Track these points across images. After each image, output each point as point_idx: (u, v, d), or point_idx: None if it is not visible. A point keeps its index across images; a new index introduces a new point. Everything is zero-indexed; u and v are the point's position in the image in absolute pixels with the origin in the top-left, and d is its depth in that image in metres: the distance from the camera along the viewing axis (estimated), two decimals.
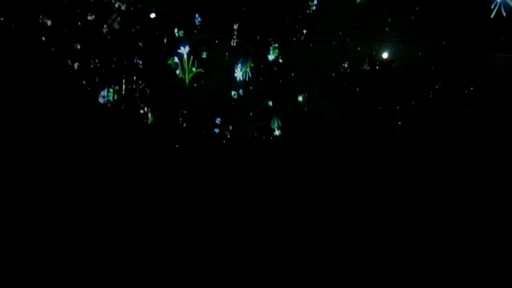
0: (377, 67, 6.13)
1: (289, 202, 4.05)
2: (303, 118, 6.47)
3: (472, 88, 5.95)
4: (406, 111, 6.40)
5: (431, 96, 6.32)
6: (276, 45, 6.59)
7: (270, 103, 6.72)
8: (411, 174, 4.75)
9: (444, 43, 6.19)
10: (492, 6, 5.89)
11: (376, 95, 6.21)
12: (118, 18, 6.18)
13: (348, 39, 6.44)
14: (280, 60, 6.65)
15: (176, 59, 6.65)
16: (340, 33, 6.44)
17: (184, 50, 6.66)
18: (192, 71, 6.63)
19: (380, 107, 6.21)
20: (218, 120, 6.62)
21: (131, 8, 6.26)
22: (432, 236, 3.29)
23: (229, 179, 4.74)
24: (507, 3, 5.80)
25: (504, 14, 5.82)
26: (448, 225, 3.48)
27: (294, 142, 6.23)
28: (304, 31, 6.47)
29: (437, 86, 6.29)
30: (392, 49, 6.29)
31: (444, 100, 6.24)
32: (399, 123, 6.41)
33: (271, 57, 6.64)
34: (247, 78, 6.64)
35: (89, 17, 5.76)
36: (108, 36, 6.02)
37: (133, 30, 6.25)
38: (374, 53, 6.29)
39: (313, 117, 6.39)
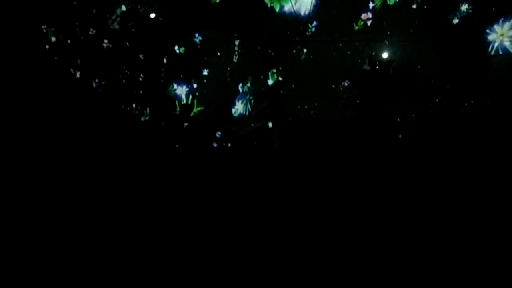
0: (377, 67, 6.13)
1: (289, 202, 4.04)
2: (303, 118, 6.47)
3: (472, 88, 5.95)
4: (406, 111, 6.40)
5: (431, 96, 6.32)
6: (275, 70, 6.63)
7: (271, 104, 6.73)
8: (412, 174, 4.75)
9: (444, 43, 6.19)
10: (490, 48, 5.94)
11: (376, 95, 6.21)
12: (118, 19, 6.19)
13: (348, 40, 6.44)
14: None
15: (175, 86, 6.69)
16: (340, 33, 6.45)
17: (182, 90, 6.69)
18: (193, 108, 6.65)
19: (380, 107, 6.21)
20: (219, 120, 6.63)
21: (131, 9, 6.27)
22: (433, 236, 3.29)
23: (229, 179, 4.74)
24: (507, 49, 5.79)
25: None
26: (449, 224, 3.48)
27: (294, 142, 6.23)
28: (304, 50, 6.53)
29: (437, 86, 6.29)
30: (392, 49, 6.29)
31: (444, 100, 6.24)
32: (399, 123, 6.41)
33: (270, 81, 6.68)
34: (247, 112, 6.69)
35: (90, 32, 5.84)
36: (110, 45, 6.05)
37: (133, 29, 6.25)
38: (374, 53, 6.29)
39: (313, 117, 6.39)
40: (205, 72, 6.72)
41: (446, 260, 2.90)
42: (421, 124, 6.29)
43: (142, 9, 6.33)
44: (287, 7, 6.50)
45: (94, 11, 5.82)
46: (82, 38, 5.68)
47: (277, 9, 6.50)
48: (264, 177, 4.78)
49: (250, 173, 4.98)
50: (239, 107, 6.75)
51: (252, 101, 6.71)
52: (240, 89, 6.72)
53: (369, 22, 6.29)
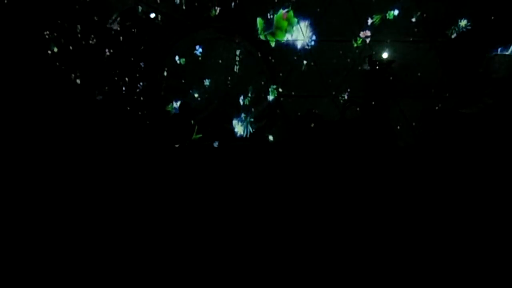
0: (377, 67, 6.13)
1: (288, 203, 4.04)
2: (303, 118, 6.47)
3: (472, 88, 5.95)
4: (406, 111, 6.40)
5: (431, 96, 6.32)
6: (275, 86, 6.61)
7: (270, 104, 6.73)
8: (412, 174, 4.75)
9: (444, 43, 6.19)
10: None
11: (376, 95, 6.21)
12: (118, 18, 6.19)
13: (348, 39, 6.44)
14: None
15: (175, 104, 6.68)
16: (339, 33, 6.45)
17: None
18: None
19: (380, 107, 6.20)
20: (218, 118, 6.62)
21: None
22: (433, 237, 3.28)
23: (229, 179, 4.74)
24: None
25: None
26: (449, 226, 3.47)
27: (294, 143, 6.23)
28: (305, 62, 6.52)
29: (437, 86, 6.29)
30: (392, 49, 6.29)
31: (444, 100, 6.24)
32: (399, 123, 6.41)
33: (270, 97, 6.66)
34: (248, 134, 6.68)
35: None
36: (111, 50, 6.08)
37: (133, 30, 6.24)
38: (374, 53, 6.29)
39: (313, 117, 6.39)
40: (207, 82, 6.71)
41: (447, 263, 2.90)
42: (421, 124, 6.29)
43: (142, 10, 6.32)
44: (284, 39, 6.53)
45: (95, 18, 5.84)
46: (83, 42, 5.71)
47: (273, 45, 6.53)
48: (263, 177, 4.78)
49: (249, 174, 4.98)
50: (238, 130, 6.74)
51: (252, 123, 6.70)
52: (241, 102, 6.71)
53: (368, 40, 6.32)
